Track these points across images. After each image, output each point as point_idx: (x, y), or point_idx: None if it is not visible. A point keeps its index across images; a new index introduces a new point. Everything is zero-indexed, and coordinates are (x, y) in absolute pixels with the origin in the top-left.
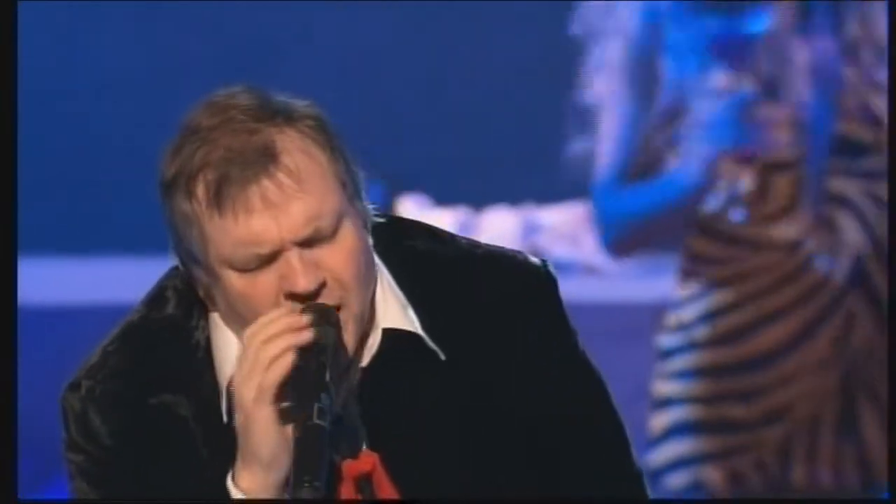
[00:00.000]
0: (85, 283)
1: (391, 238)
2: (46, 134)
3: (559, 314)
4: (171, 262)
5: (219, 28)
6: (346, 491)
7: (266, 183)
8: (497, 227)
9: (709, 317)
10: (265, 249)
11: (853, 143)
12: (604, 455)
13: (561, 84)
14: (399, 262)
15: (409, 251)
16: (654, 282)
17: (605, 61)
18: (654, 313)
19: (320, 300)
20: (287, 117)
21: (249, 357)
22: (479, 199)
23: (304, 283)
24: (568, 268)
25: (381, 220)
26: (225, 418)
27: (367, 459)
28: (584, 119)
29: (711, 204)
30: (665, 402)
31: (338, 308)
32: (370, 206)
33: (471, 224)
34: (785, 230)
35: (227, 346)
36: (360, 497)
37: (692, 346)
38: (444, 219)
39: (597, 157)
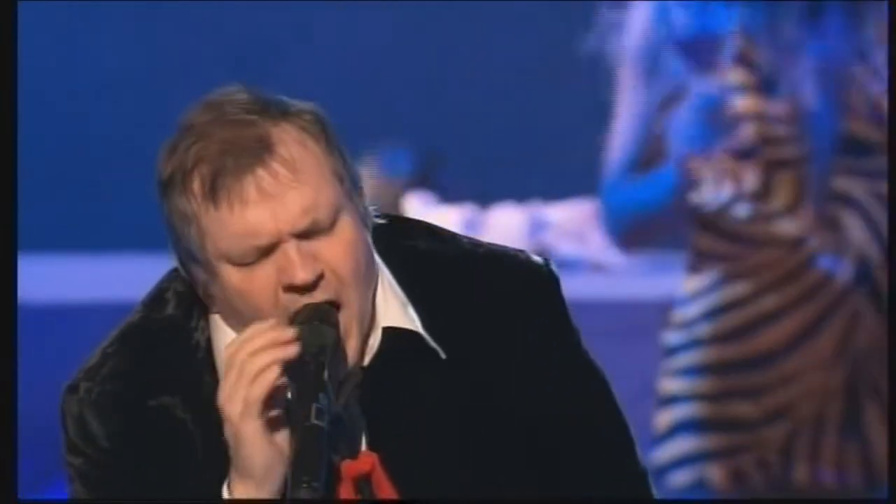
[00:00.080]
0: (85, 280)
1: (392, 238)
2: (46, 133)
3: (561, 313)
4: (172, 260)
5: (219, 28)
6: (346, 491)
7: (261, 173)
8: (504, 225)
9: (712, 314)
10: (262, 241)
11: (860, 141)
12: (605, 455)
13: (566, 82)
14: (400, 261)
15: (409, 251)
16: (660, 279)
17: (616, 56)
18: (661, 310)
19: (317, 293)
20: (283, 111)
21: (234, 370)
22: (485, 197)
23: (302, 275)
24: (574, 265)
25: (382, 220)
26: None
27: (367, 460)
28: (594, 115)
29: (714, 200)
30: (670, 400)
31: (338, 308)
32: (371, 207)
33: (477, 221)
34: (788, 227)
35: None
36: (359, 497)
37: (696, 342)
38: (451, 216)
39: (607, 152)
